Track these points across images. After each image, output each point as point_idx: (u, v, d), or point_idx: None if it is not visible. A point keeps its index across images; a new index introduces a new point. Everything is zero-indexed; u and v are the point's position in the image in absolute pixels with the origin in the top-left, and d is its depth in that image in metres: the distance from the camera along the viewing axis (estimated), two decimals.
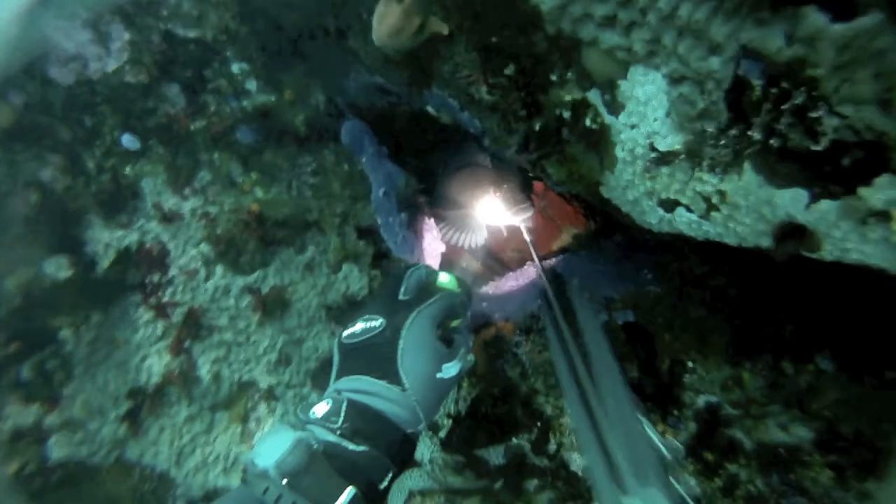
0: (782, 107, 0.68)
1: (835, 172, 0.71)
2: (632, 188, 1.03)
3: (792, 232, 0.82)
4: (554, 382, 1.76)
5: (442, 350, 0.82)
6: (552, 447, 1.68)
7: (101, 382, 1.37)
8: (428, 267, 0.93)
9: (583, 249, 2.14)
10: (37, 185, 1.27)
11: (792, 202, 0.78)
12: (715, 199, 0.89)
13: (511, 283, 2.13)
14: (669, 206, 0.98)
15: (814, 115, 0.66)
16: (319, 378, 1.70)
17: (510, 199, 1.87)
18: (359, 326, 0.83)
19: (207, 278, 1.51)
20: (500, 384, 1.84)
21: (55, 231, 1.30)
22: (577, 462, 1.63)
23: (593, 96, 0.95)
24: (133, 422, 1.42)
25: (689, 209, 0.96)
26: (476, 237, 2.13)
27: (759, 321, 1.68)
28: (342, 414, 0.74)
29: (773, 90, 0.69)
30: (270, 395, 1.61)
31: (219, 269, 1.52)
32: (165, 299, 1.45)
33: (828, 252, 0.82)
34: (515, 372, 1.83)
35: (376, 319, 0.82)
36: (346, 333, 0.84)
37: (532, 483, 1.69)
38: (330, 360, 1.73)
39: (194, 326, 1.48)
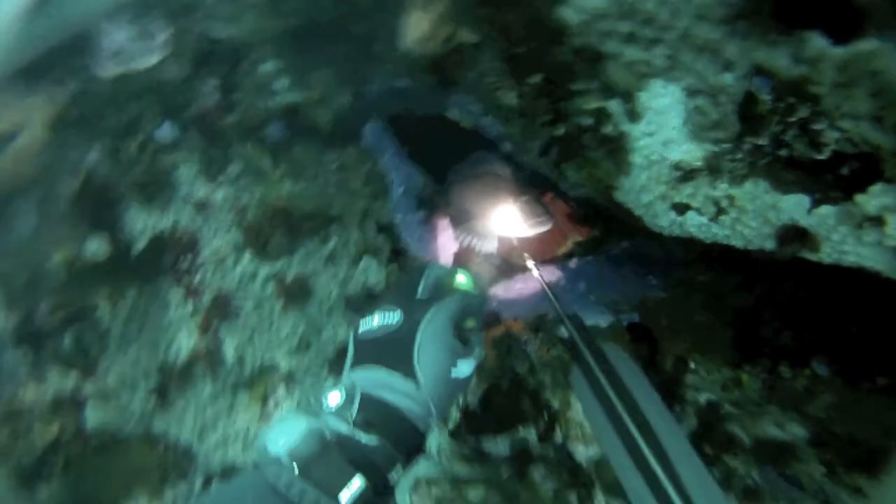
0: (788, 120, 0.75)
1: (835, 180, 0.79)
2: (646, 192, 1.10)
3: (794, 235, 0.90)
4: (561, 378, 1.83)
5: (458, 348, 0.83)
6: (558, 438, 1.75)
7: (134, 356, 1.44)
8: (446, 266, 0.95)
9: (588, 256, 2.21)
10: (81, 168, 1.35)
11: (795, 207, 0.86)
12: (724, 204, 0.96)
13: (519, 284, 2.20)
14: (681, 209, 1.06)
15: (816, 127, 0.73)
16: (336, 365, 1.77)
17: (528, 211, 1.94)
18: (376, 319, 0.84)
19: (236, 264, 1.58)
20: (508, 378, 1.92)
21: (97, 213, 1.38)
22: (581, 452, 1.70)
23: (613, 106, 1.03)
24: (161, 396, 1.49)
25: (699, 212, 1.03)
26: (487, 246, 2.20)
27: (759, 327, 1.75)
28: (356, 405, 0.74)
29: (781, 104, 0.77)
30: (290, 378, 1.68)
31: (246, 256, 1.60)
32: (196, 282, 1.53)
33: (826, 254, 0.89)
34: (524, 367, 1.90)
35: (394, 313, 0.83)
36: (362, 324, 0.85)
37: (537, 472, 1.76)
38: (345, 351, 1.81)
39: (222, 309, 1.56)
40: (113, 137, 1.39)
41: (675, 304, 1.88)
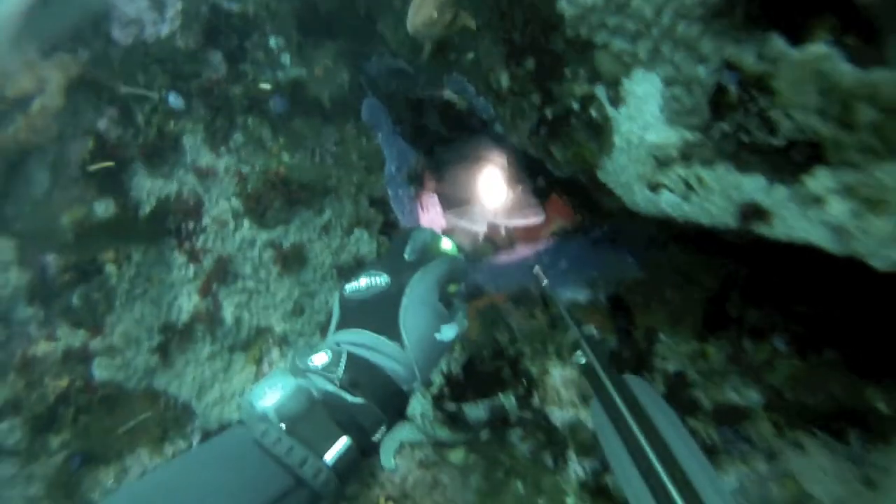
0: (751, 109, 0.87)
1: (787, 164, 0.91)
2: (625, 172, 1.22)
3: (753, 212, 1.02)
4: (540, 348, 1.96)
5: (443, 312, 0.85)
6: (536, 403, 1.88)
7: (138, 315, 1.51)
8: (433, 230, 0.96)
9: (571, 237, 2.34)
10: (94, 133, 1.41)
11: (754, 187, 0.98)
12: (694, 183, 1.08)
13: (503, 259, 2.32)
14: (656, 188, 1.17)
15: (773, 117, 0.85)
16: (327, 330, 1.87)
17: (521, 202, 2.06)
18: (363, 281, 0.85)
19: (236, 230, 1.66)
20: (490, 347, 2.04)
21: (106, 176, 1.44)
22: (557, 416, 1.83)
23: (599, 91, 1.13)
24: (163, 354, 1.57)
25: (672, 191, 1.14)
26: (477, 231, 2.32)
27: (726, 305, 1.90)
28: (342, 365, 0.76)
29: (745, 95, 0.88)
30: (283, 341, 1.78)
31: (246, 223, 1.67)
32: (198, 246, 1.60)
33: (779, 230, 1.01)
34: (505, 337, 2.02)
35: (381, 276, 0.84)
36: (349, 287, 0.86)
37: (515, 435, 1.89)
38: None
39: (222, 272, 1.63)
40: (124, 104, 1.44)
41: (650, 282, 2.02)
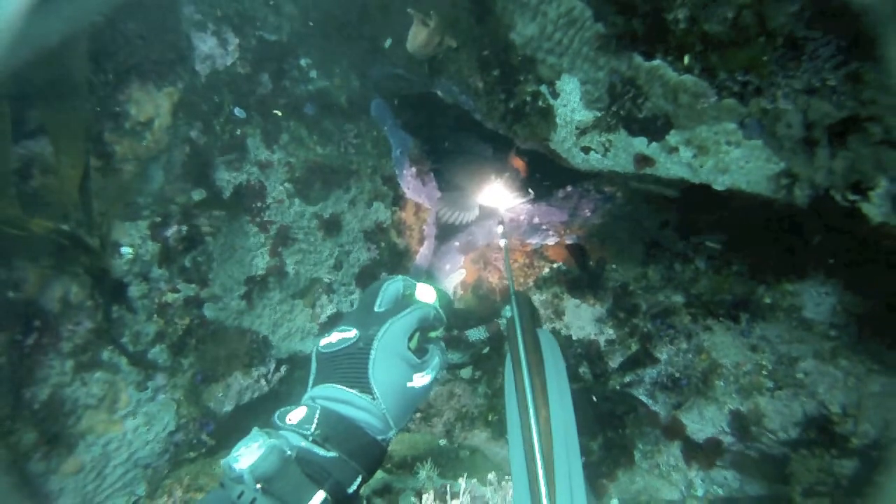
0: (627, 96, 1.44)
1: (656, 129, 1.49)
2: (566, 142, 1.79)
3: (642, 160, 1.60)
4: (522, 280, 2.55)
5: (413, 361, 0.85)
6: None
7: (229, 272, 2.07)
8: (406, 279, 0.96)
9: (543, 197, 2.92)
10: (188, 140, 1.94)
11: (640, 144, 1.55)
12: (607, 145, 1.66)
13: (490, 221, 2.90)
14: (586, 150, 1.75)
15: (640, 101, 1.43)
16: (360, 279, 2.45)
17: (509, 187, 2.62)
18: (334, 337, 0.86)
19: (290, 206, 2.21)
20: (483, 287, 2.63)
21: (199, 171, 1.98)
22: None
23: (543, 89, 1.70)
24: (248, 300, 2.13)
25: (596, 152, 1.72)
26: (469, 216, 2.89)
27: (662, 240, 2.49)
28: (315, 421, 0.77)
29: (625, 88, 1.46)
30: (329, 288, 2.35)
31: (297, 200, 2.23)
32: (265, 219, 2.15)
33: (661, 170, 1.59)
34: (495, 277, 2.61)
35: (350, 330, 0.86)
36: (322, 343, 0.88)
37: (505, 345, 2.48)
38: (366, 269, 2.47)
39: (283, 238, 2.19)
40: (206, 118, 1.99)
41: (604, 226, 2.61)
